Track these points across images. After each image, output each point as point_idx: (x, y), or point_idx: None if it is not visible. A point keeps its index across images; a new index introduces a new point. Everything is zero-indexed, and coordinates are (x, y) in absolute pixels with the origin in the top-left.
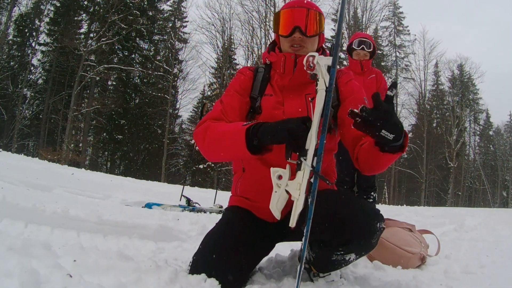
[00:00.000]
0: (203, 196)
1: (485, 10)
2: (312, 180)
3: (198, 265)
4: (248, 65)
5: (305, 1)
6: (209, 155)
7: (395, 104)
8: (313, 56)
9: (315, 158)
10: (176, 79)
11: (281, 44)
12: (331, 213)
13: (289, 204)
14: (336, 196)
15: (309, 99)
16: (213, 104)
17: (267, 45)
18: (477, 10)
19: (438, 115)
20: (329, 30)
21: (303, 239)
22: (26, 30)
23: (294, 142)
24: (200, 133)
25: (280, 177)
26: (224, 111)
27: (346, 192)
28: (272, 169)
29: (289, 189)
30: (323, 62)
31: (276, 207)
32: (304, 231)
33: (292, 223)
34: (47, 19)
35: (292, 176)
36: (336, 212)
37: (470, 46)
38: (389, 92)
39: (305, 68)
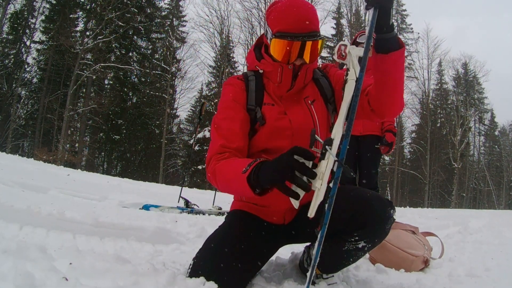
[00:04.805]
0: (202, 197)
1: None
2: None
3: (198, 268)
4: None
5: (307, 22)
6: (227, 193)
7: None
8: (345, 45)
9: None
10: (174, 78)
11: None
12: (348, 200)
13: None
14: (350, 188)
15: (309, 102)
16: (212, 103)
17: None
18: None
19: (442, 115)
20: (330, 29)
21: (317, 243)
22: (20, 28)
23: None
24: (211, 176)
25: None
26: (224, 145)
27: (356, 186)
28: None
29: None
30: (355, 53)
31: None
32: (318, 237)
33: (311, 213)
34: (42, 17)
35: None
36: (352, 199)
37: (473, 45)
38: None
39: (336, 56)
